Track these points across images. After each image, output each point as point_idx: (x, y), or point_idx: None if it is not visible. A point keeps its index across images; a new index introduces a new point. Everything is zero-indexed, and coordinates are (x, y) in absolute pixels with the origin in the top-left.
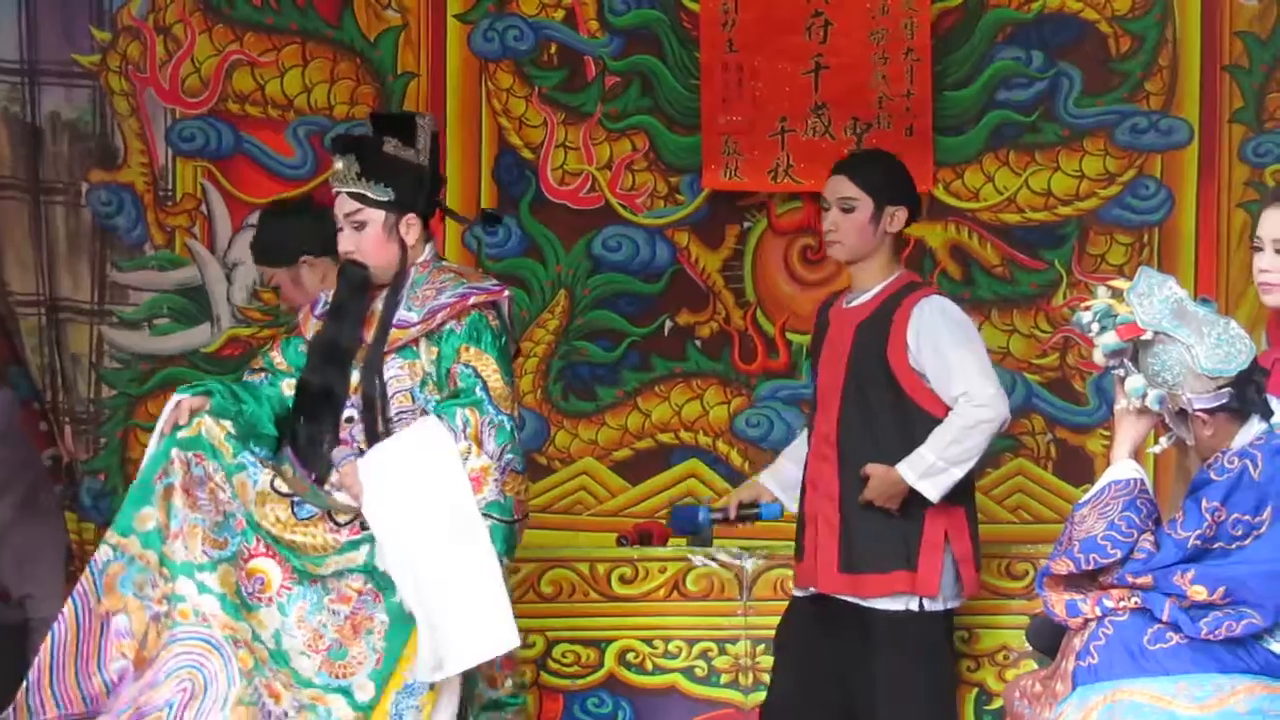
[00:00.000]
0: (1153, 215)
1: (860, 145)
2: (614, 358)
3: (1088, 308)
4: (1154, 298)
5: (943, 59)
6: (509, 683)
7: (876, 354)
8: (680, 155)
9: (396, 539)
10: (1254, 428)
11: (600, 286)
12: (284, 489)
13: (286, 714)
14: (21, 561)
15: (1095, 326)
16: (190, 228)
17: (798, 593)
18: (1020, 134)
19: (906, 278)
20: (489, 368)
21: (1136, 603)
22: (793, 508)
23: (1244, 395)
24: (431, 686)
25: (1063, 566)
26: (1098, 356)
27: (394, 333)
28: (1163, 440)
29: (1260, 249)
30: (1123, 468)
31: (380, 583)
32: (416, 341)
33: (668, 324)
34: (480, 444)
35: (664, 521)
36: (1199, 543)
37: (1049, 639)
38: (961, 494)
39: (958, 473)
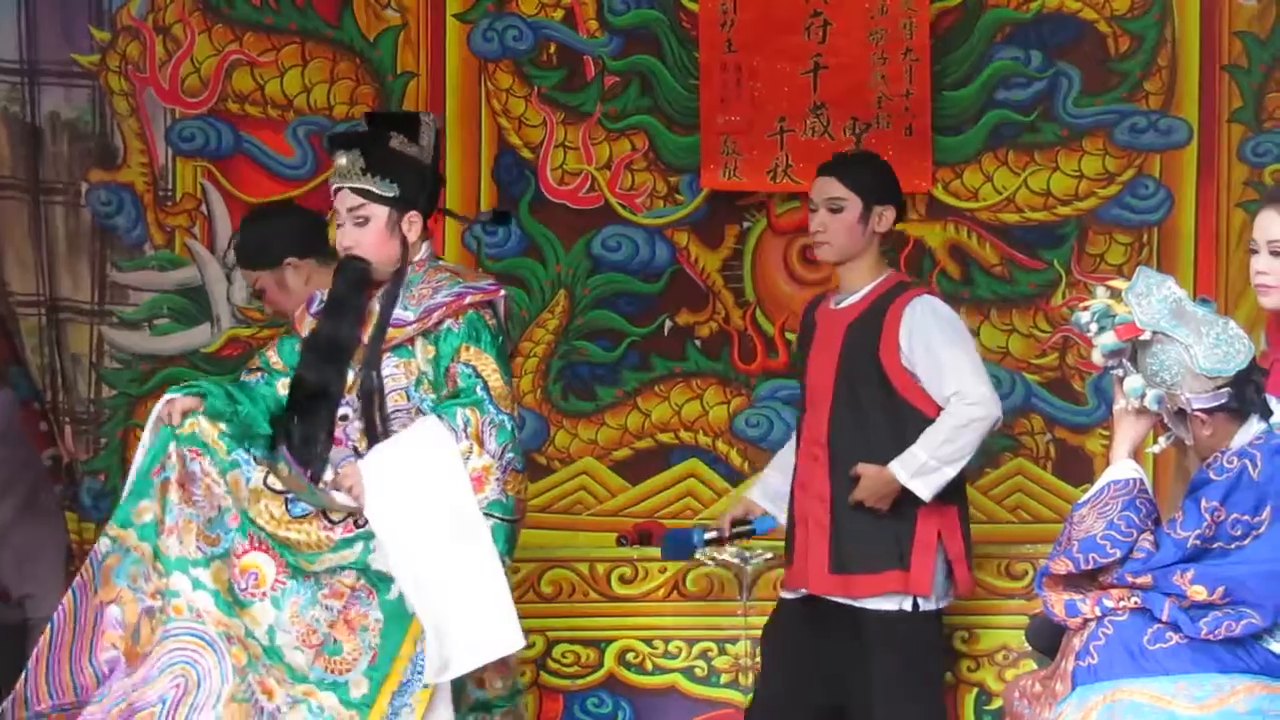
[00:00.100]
0: (1152, 215)
1: (860, 145)
2: (614, 358)
3: (1086, 308)
4: (1152, 298)
5: (941, 59)
6: (499, 684)
7: (868, 354)
8: (679, 155)
9: (399, 540)
10: (1253, 427)
11: (600, 286)
12: (278, 486)
13: (279, 710)
14: (21, 561)
15: (1094, 326)
16: (190, 228)
17: (786, 594)
18: (1019, 134)
19: (896, 277)
20: (488, 367)
21: (1136, 603)
22: (783, 518)
23: (1243, 395)
24: (425, 685)
25: (1062, 566)
26: (1096, 357)
27: (390, 331)
28: (1162, 440)
29: (1256, 251)
30: (1122, 468)
31: (373, 580)
32: (412, 340)
33: (667, 324)
34: (481, 443)
35: (660, 548)
36: (1198, 542)
37: (1049, 639)
38: (953, 493)
39: (950, 471)
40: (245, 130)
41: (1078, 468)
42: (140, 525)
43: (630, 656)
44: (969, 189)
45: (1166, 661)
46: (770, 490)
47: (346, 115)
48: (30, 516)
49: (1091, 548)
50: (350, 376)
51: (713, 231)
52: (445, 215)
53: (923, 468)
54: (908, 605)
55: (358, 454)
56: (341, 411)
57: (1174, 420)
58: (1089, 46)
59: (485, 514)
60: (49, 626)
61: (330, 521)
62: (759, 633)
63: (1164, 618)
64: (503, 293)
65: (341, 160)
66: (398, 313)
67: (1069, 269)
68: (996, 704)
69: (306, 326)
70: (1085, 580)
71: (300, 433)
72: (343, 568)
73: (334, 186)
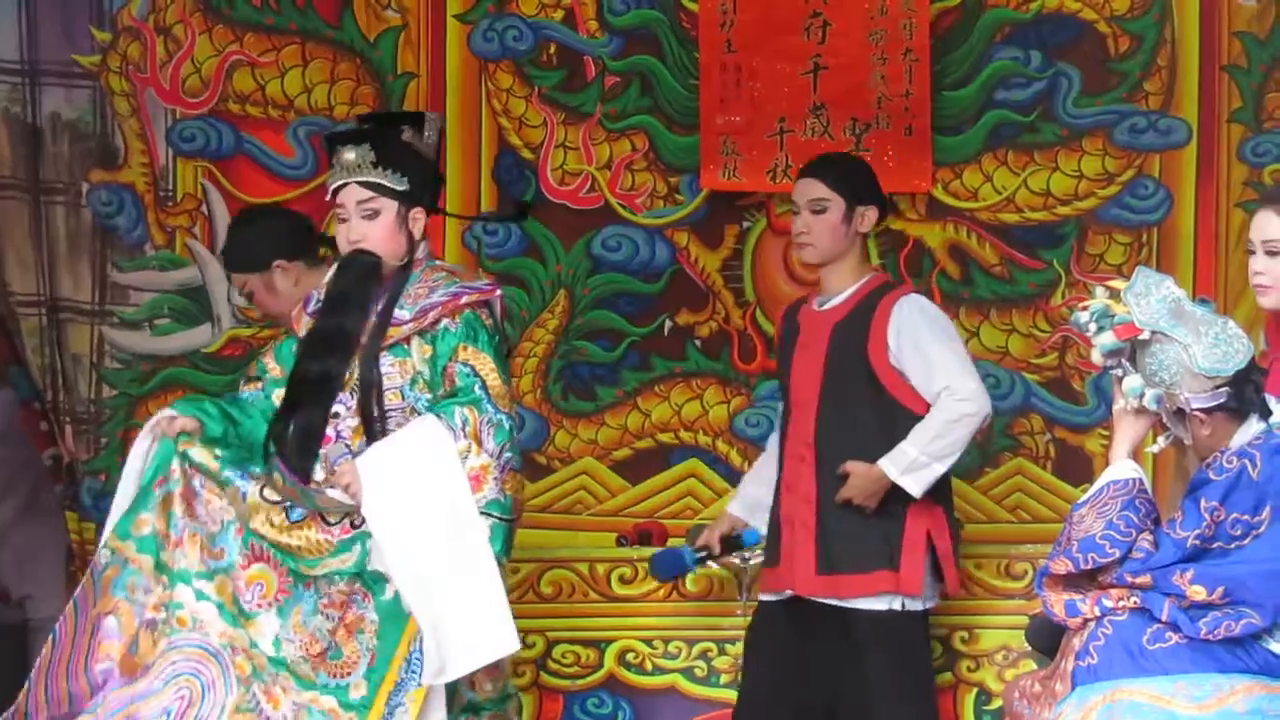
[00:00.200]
0: (1151, 215)
1: (859, 145)
2: (614, 357)
3: (1085, 308)
4: (1151, 297)
5: (941, 59)
6: (489, 686)
7: (856, 354)
8: (679, 155)
9: (396, 539)
10: (1252, 427)
11: (600, 286)
12: (274, 498)
13: (285, 718)
14: (22, 562)
15: (1093, 326)
16: (191, 228)
17: (767, 598)
18: (1019, 134)
19: (880, 278)
20: (486, 366)
21: (1135, 602)
22: (764, 529)
23: (1242, 395)
24: (420, 685)
25: (1061, 566)
26: (1096, 356)
27: (388, 330)
28: (1161, 440)
29: (1253, 251)
30: (1121, 468)
31: (368, 582)
32: (408, 340)
33: (667, 324)
34: (479, 442)
35: (650, 568)
36: (1198, 542)
37: (1048, 639)
38: (941, 492)
39: (940, 468)
40: (246, 130)
41: (1077, 467)
42: (140, 537)
43: (630, 657)
44: (969, 189)
45: (1166, 661)
46: (750, 503)
47: (347, 115)
48: (31, 517)
49: (1091, 548)
50: (346, 373)
51: (712, 231)
52: (445, 215)
53: (913, 464)
54: (897, 605)
55: (351, 452)
56: (334, 409)
57: (1173, 420)
58: (1089, 47)
59: (483, 513)
60: (50, 638)
61: (327, 523)
62: None
63: (1163, 618)
64: (499, 293)
65: (349, 155)
66: (394, 312)
67: (1068, 269)
68: (996, 704)
69: (304, 326)
70: (1085, 580)
71: (300, 424)
72: (341, 575)
73: (337, 183)
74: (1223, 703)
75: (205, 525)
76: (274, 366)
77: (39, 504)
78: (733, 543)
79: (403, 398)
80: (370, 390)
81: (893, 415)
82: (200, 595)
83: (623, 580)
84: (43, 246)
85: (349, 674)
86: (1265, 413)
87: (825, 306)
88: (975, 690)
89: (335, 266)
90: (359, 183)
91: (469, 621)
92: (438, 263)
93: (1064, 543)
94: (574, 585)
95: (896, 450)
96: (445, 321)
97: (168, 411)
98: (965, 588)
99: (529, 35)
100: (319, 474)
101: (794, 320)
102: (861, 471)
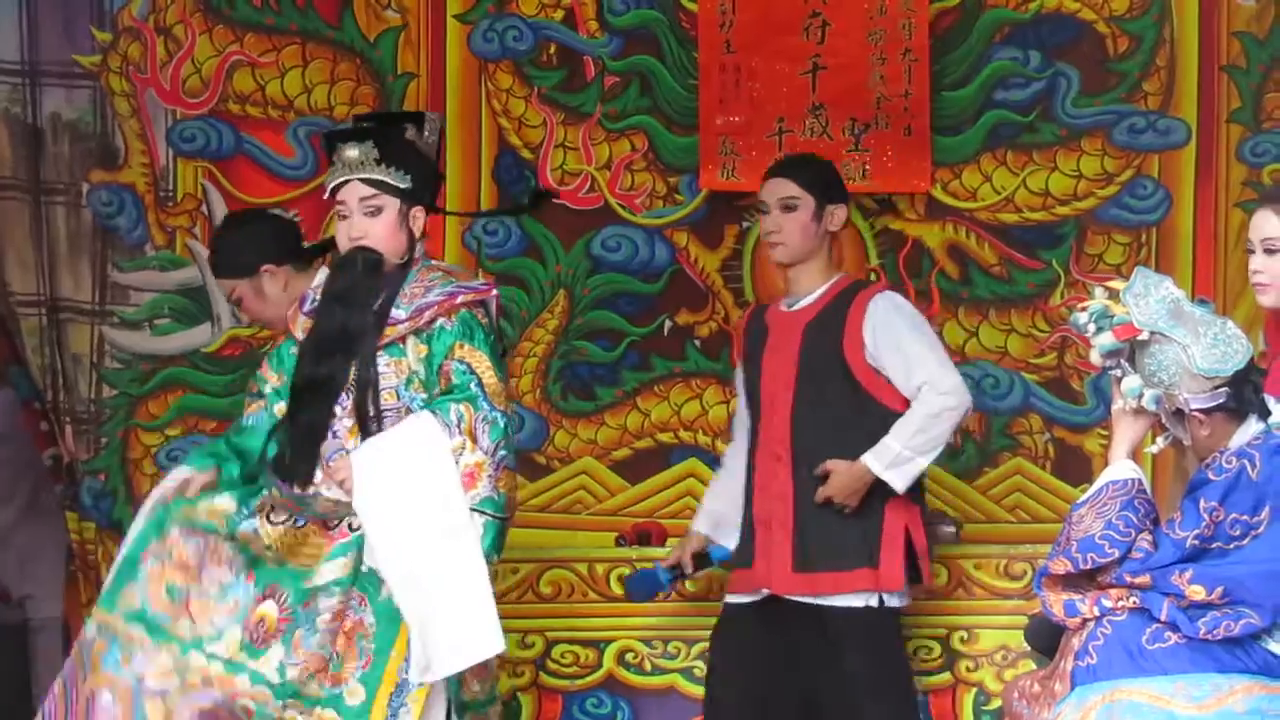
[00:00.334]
0: (1150, 215)
1: (859, 146)
2: (613, 357)
3: (1084, 308)
4: (1150, 298)
5: (940, 59)
6: (476, 687)
7: (830, 352)
8: (679, 155)
9: (386, 534)
10: (1251, 427)
11: (599, 286)
12: (279, 518)
13: None
14: (23, 562)
15: (1092, 327)
16: (191, 228)
17: (735, 599)
18: (1018, 134)
19: (850, 278)
20: (482, 364)
21: (1135, 602)
22: (732, 544)
23: (1241, 395)
24: (420, 683)
25: (1061, 566)
26: (1094, 357)
27: (384, 329)
28: (1160, 440)
29: (1252, 250)
30: (1120, 468)
31: (364, 585)
32: (404, 339)
33: (667, 324)
34: (474, 439)
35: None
36: (1197, 542)
37: (1047, 639)
38: (916, 488)
39: (923, 462)
40: (246, 131)
41: (1076, 467)
42: (128, 610)
43: (629, 657)
44: (968, 189)
45: (1165, 661)
46: (713, 519)
47: (347, 116)
48: (32, 517)
49: (1090, 548)
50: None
51: (712, 231)
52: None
53: (896, 459)
54: (874, 601)
55: (346, 452)
56: None
57: (1172, 420)
58: (1088, 47)
59: (477, 511)
60: (40, 714)
61: (327, 528)
62: None
63: (1163, 617)
64: (495, 292)
65: (352, 152)
66: (391, 311)
67: (1067, 269)
68: (995, 704)
69: (301, 326)
70: (1084, 580)
71: (303, 426)
72: (338, 584)
73: (339, 180)
74: (1222, 703)
75: (215, 583)
76: (272, 376)
77: (40, 504)
78: (703, 560)
79: (398, 397)
80: (366, 390)
81: (869, 412)
82: (211, 658)
83: (622, 580)
84: (43, 246)
85: (344, 681)
86: (1264, 413)
87: (795, 307)
88: (974, 690)
89: (335, 263)
90: (362, 179)
91: (456, 621)
92: (434, 262)
93: (1063, 543)
94: (573, 585)
95: (880, 445)
96: (441, 321)
97: (183, 472)
98: (964, 587)
99: (529, 35)
100: (317, 474)
101: (761, 322)
102: (843, 469)
